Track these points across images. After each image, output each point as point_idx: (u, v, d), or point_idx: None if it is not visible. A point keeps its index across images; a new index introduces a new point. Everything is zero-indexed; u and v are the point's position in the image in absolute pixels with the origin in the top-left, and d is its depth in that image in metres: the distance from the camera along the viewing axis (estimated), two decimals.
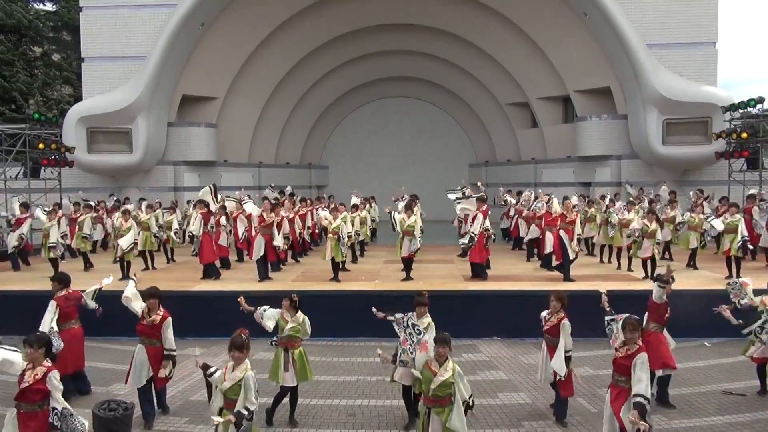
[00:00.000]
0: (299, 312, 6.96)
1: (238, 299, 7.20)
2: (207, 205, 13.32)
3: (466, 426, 5.58)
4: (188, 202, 18.22)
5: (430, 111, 28.38)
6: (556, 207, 12.65)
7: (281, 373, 6.85)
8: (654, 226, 11.92)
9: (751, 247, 12.98)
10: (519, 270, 13.64)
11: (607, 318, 6.33)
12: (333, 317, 10.32)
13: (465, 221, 13.80)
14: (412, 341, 6.44)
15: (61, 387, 5.11)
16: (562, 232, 12.10)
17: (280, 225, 12.82)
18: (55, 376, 5.06)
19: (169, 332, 6.97)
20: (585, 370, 8.70)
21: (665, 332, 7.39)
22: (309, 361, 7.13)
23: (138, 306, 7.06)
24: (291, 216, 13.99)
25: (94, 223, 15.57)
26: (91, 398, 7.65)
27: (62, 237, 13.69)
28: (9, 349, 5.22)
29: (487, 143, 27.45)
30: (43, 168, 18.89)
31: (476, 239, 12.05)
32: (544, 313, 7.15)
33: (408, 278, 12.30)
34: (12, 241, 14.28)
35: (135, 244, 12.83)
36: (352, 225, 14.04)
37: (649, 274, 11.88)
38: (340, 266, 12.53)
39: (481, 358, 9.73)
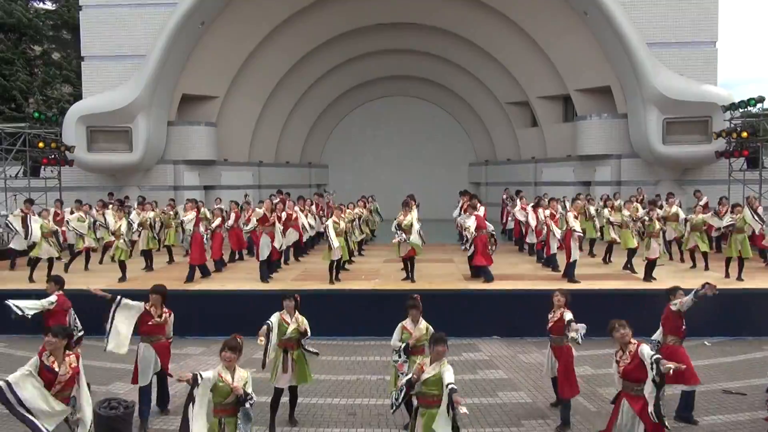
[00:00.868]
0: (297, 313, 6.94)
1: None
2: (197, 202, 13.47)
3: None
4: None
5: (430, 110, 28.34)
6: (572, 223, 12.07)
7: (278, 373, 6.84)
8: (658, 226, 11.90)
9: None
10: (519, 269, 13.63)
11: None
12: (333, 316, 10.32)
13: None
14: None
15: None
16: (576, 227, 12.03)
17: (285, 223, 12.88)
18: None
19: (170, 324, 7.47)
20: (585, 369, 8.71)
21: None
22: (309, 364, 7.11)
23: (135, 311, 7.11)
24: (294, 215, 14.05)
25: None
26: (91, 397, 7.64)
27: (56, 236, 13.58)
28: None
29: (487, 142, 27.43)
30: (42, 167, 18.85)
31: (472, 243, 11.97)
32: (550, 315, 7.16)
33: (407, 278, 12.24)
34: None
35: (132, 243, 12.79)
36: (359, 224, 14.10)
37: (645, 273, 11.91)
38: (342, 266, 12.48)
39: (481, 357, 9.75)
